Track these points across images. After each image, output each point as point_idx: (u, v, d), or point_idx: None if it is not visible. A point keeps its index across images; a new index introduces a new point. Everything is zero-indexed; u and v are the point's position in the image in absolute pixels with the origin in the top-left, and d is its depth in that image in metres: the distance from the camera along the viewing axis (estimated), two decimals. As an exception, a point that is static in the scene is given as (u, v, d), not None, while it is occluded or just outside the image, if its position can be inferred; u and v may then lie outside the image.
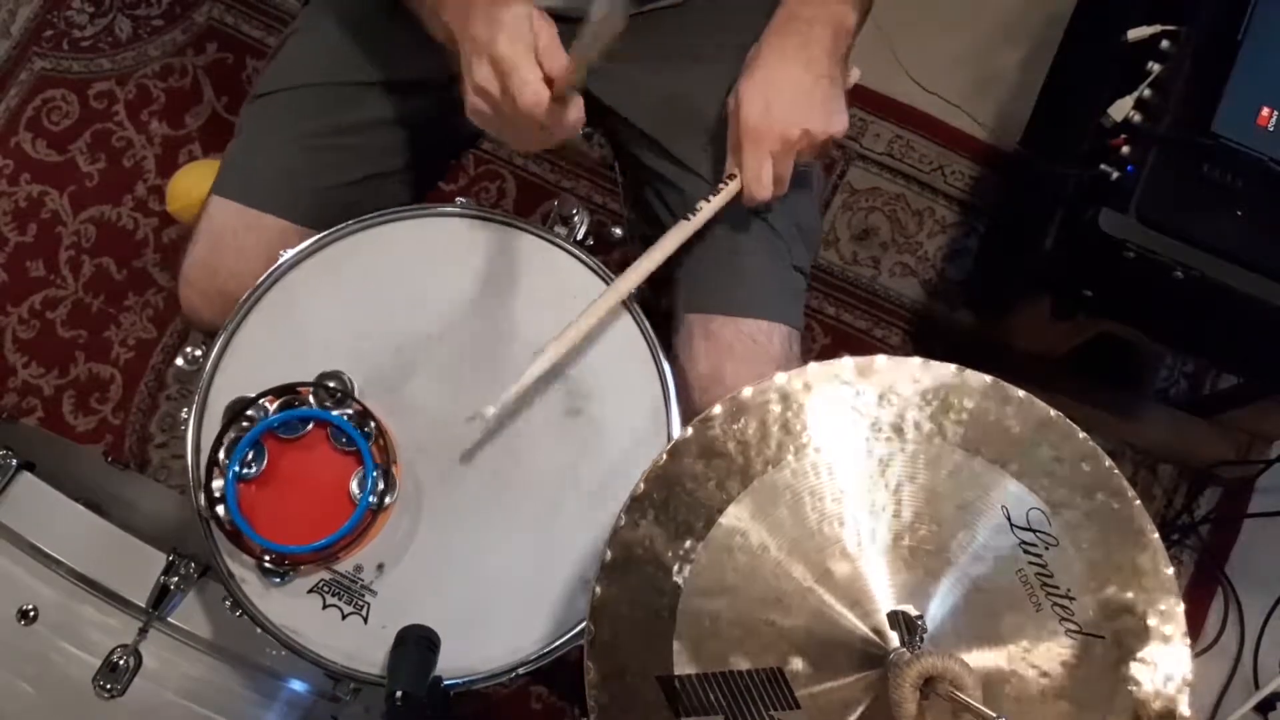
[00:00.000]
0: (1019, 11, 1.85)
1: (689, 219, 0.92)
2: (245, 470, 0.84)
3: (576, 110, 0.84)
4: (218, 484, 0.84)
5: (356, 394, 0.88)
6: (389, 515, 0.87)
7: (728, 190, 0.93)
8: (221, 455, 0.85)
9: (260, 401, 0.86)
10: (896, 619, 0.67)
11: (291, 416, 0.86)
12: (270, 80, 1.06)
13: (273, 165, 1.03)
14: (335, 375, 0.89)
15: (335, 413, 0.86)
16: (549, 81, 0.81)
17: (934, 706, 0.64)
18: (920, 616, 0.67)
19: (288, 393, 0.87)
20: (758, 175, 0.91)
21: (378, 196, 1.07)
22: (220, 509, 0.84)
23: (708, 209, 0.93)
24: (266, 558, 0.84)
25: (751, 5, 0.98)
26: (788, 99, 0.90)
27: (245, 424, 0.86)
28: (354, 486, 0.85)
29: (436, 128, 1.09)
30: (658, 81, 1.04)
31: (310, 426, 0.86)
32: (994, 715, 0.61)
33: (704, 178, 1.00)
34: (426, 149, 1.10)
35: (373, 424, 0.86)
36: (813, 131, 0.90)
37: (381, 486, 0.85)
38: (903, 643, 0.66)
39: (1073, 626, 0.69)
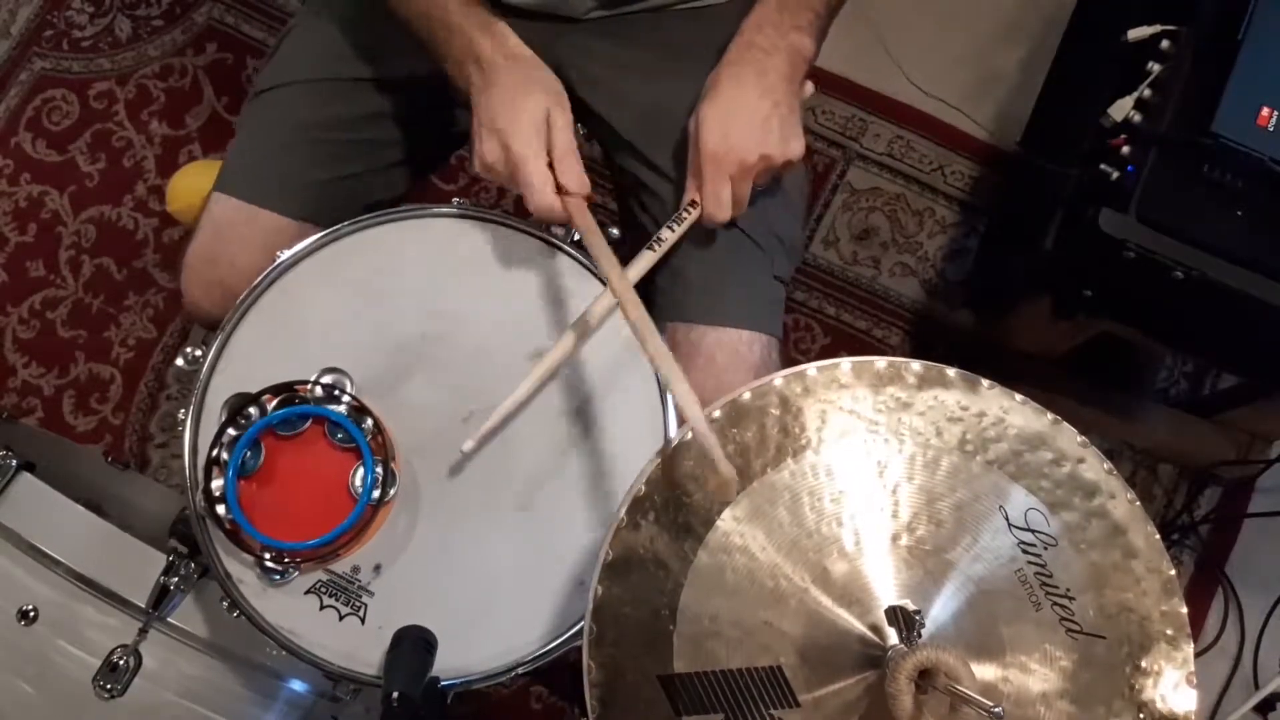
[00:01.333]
0: (1019, 11, 1.86)
1: (654, 249, 0.93)
2: (244, 468, 0.84)
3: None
4: (217, 483, 0.84)
5: (353, 391, 0.88)
6: (388, 513, 0.87)
7: (690, 219, 0.94)
8: (221, 454, 0.85)
9: (259, 399, 0.86)
10: (894, 614, 0.67)
11: (290, 414, 0.86)
12: (269, 77, 1.08)
13: (272, 161, 1.05)
14: (333, 371, 0.89)
15: (332, 408, 0.86)
16: (558, 186, 0.87)
17: (932, 703, 0.64)
18: (918, 611, 0.67)
19: (286, 390, 0.87)
20: (717, 198, 0.92)
21: (376, 190, 1.09)
22: (220, 508, 0.84)
23: (671, 238, 0.94)
24: (267, 555, 0.84)
25: (729, 17, 0.98)
26: (745, 125, 0.91)
27: (244, 422, 0.86)
28: (355, 481, 0.85)
29: (432, 122, 1.10)
30: (640, 91, 1.04)
31: (308, 424, 0.87)
32: (990, 705, 0.61)
33: (680, 186, 1.01)
34: (423, 143, 1.11)
35: (370, 419, 0.86)
36: (770, 156, 0.91)
37: (381, 480, 0.85)
38: (900, 639, 0.66)
39: (1073, 627, 0.69)
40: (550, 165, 0.89)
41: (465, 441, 0.86)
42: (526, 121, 0.88)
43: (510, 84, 0.90)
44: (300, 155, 1.04)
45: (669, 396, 0.91)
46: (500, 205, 1.79)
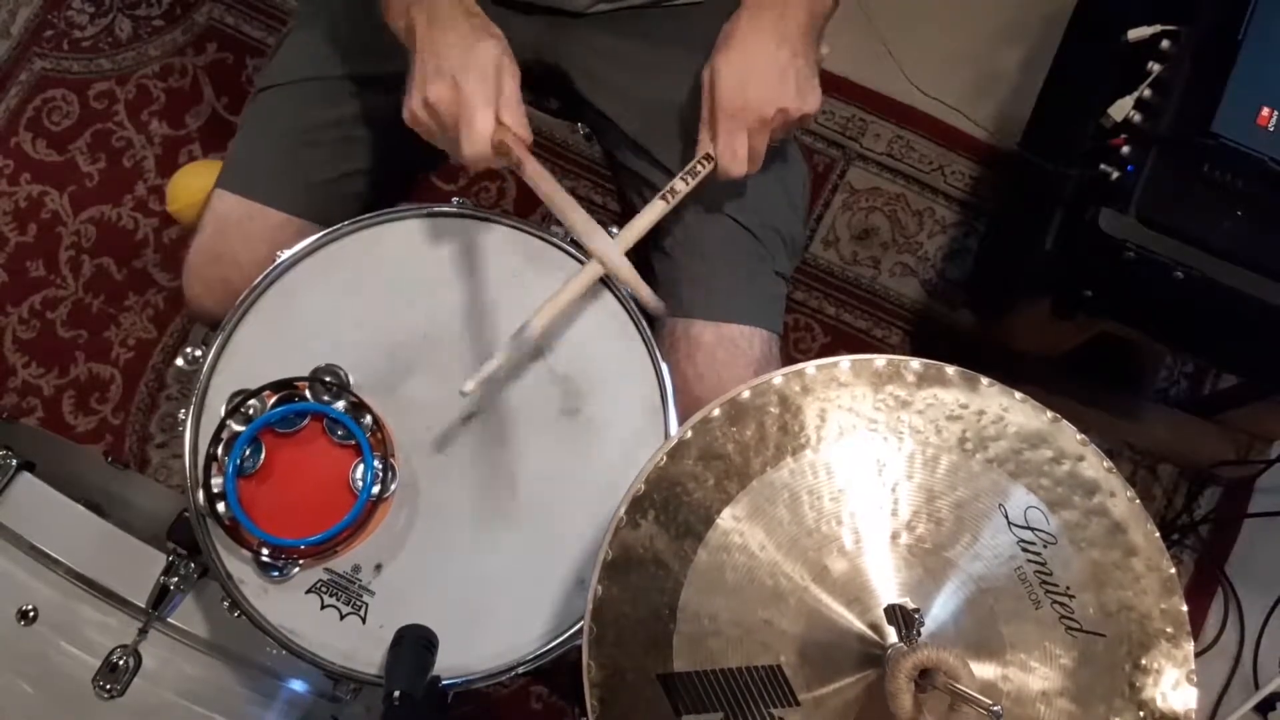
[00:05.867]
0: (1019, 11, 1.86)
1: (666, 200, 0.91)
2: (244, 465, 0.85)
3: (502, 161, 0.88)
4: (217, 481, 0.84)
5: (353, 388, 0.89)
6: (387, 511, 0.87)
7: (704, 173, 0.92)
8: (220, 451, 0.85)
9: (259, 396, 0.86)
10: (893, 613, 0.67)
11: (289, 411, 0.86)
12: (269, 75, 1.08)
13: (273, 159, 1.05)
14: (331, 369, 0.89)
15: (331, 405, 0.87)
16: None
17: (931, 701, 0.64)
18: (917, 610, 0.67)
19: (285, 388, 0.87)
20: (734, 152, 0.90)
21: (378, 187, 1.09)
22: (220, 505, 0.84)
23: (684, 190, 0.92)
24: (265, 551, 0.84)
25: (731, 11, 0.98)
26: (763, 77, 0.89)
27: (244, 418, 0.86)
28: (355, 477, 0.86)
29: None
30: (641, 86, 1.04)
31: (307, 421, 0.87)
32: (989, 703, 0.61)
33: None
34: (421, 140, 1.11)
35: (369, 416, 0.86)
36: (788, 110, 0.90)
37: (382, 476, 0.85)
38: (900, 637, 0.66)
39: (1073, 625, 0.69)
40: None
41: (466, 382, 0.84)
42: (479, 64, 0.85)
43: (464, 30, 0.87)
44: (302, 153, 1.05)
45: (667, 383, 0.91)
46: (500, 205, 1.79)
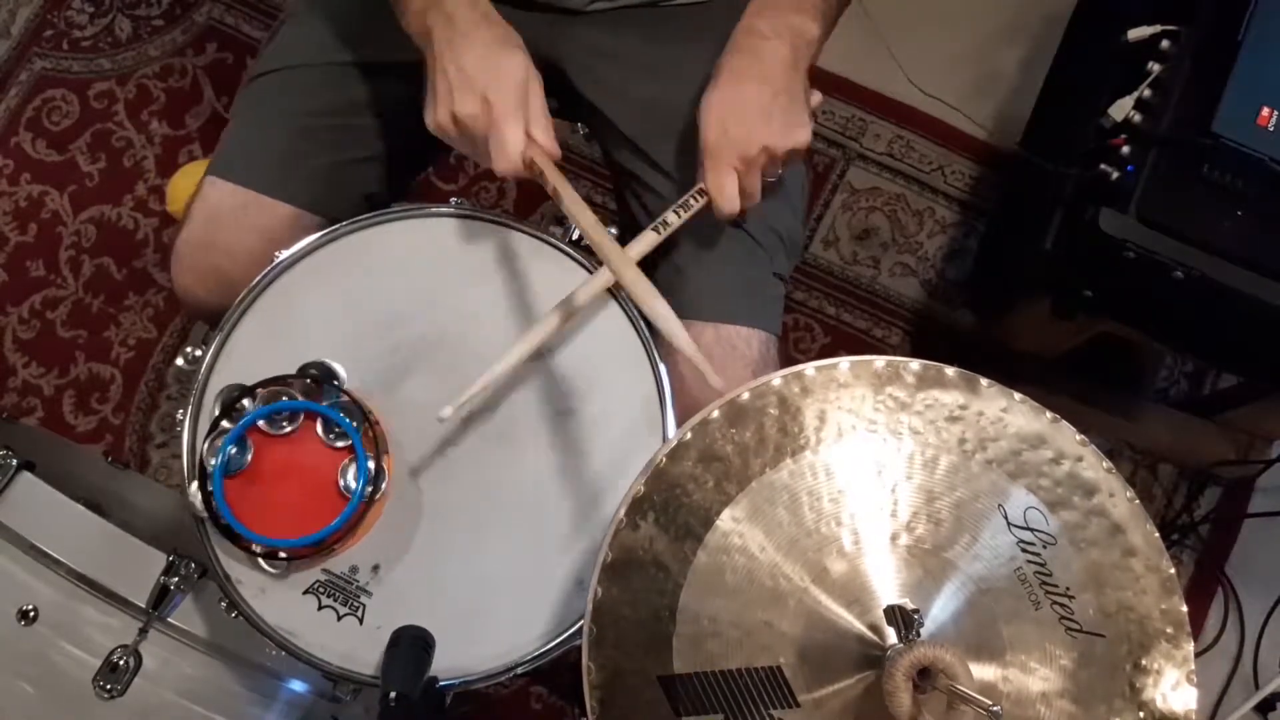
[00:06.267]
0: (1019, 11, 1.86)
1: (658, 231, 0.91)
2: (230, 465, 0.83)
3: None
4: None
5: (348, 388, 0.88)
6: (382, 510, 0.87)
7: (696, 206, 0.92)
8: (207, 451, 0.84)
9: (251, 395, 0.86)
10: (893, 613, 0.67)
11: (278, 409, 0.85)
12: (264, 63, 1.07)
13: (266, 146, 1.04)
14: (322, 366, 0.89)
15: (322, 403, 0.86)
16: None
17: (931, 702, 0.64)
18: (916, 611, 0.67)
19: (276, 384, 0.86)
20: (721, 190, 0.90)
21: (374, 178, 1.08)
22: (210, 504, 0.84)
23: (676, 223, 0.92)
24: (258, 550, 0.84)
25: (730, 11, 0.98)
26: (743, 116, 0.89)
27: (237, 415, 0.85)
28: (347, 477, 0.84)
29: None
30: (640, 86, 1.04)
31: (300, 420, 0.85)
32: (988, 703, 0.61)
33: (680, 183, 1.00)
34: (419, 131, 1.11)
35: (363, 415, 0.85)
36: (771, 147, 0.90)
37: (374, 476, 0.84)
38: (900, 639, 0.66)
39: (1073, 625, 0.69)
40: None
41: (444, 408, 0.83)
42: (510, 79, 0.86)
43: (488, 40, 0.88)
44: (297, 140, 1.03)
45: (666, 384, 0.91)
46: (500, 205, 1.79)
